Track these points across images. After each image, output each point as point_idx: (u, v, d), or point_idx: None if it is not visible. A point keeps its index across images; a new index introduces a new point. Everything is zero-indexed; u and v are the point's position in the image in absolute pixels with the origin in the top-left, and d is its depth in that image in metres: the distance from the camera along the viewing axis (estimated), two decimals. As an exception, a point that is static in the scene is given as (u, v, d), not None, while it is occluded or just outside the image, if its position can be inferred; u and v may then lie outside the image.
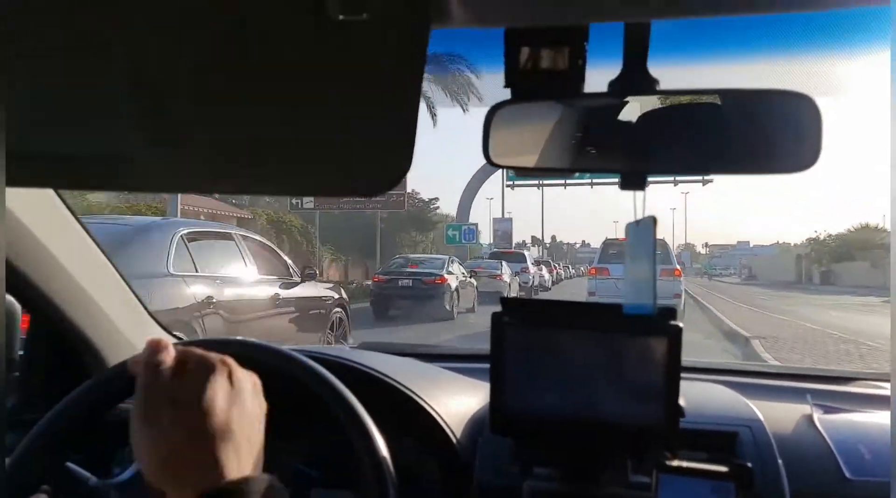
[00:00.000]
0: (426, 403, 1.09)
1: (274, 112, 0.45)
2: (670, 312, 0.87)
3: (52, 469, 0.90)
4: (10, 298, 1.20)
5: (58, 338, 1.21)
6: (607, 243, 15.62)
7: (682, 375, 1.27)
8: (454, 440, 1.08)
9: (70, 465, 0.96)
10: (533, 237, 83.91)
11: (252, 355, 0.90)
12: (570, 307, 0.93)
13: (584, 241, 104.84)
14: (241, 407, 0.62)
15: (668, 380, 0.87)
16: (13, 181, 0.51)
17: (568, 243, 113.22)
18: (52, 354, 1.24)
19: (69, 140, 0.45)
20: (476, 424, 1.12)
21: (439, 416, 1.08)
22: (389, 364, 1.18)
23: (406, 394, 1.09)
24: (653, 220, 0.74)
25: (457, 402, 1.17)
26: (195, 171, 0.49)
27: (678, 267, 14.36)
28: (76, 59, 0.42)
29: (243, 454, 0.60)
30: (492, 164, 0.80)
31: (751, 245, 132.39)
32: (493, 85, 0.76)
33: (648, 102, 0.77)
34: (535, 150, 0.81)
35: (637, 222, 0.77)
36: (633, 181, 0.75)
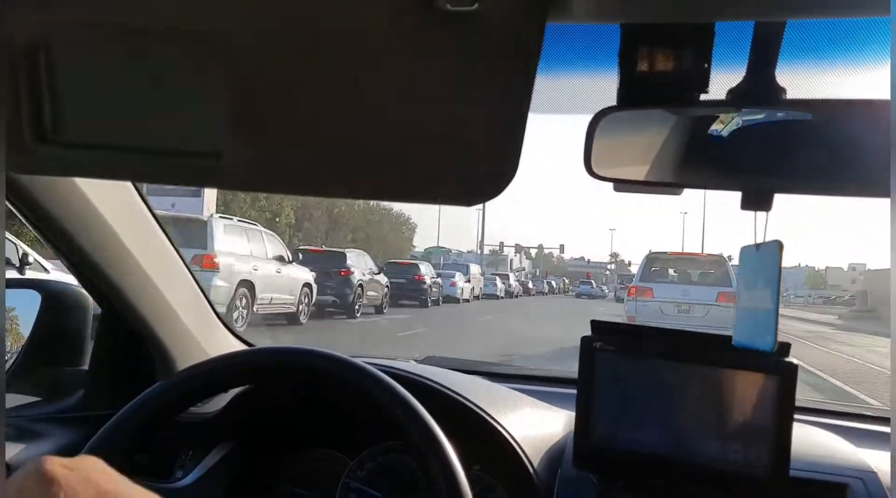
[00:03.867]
0: (504, 428, 1.02)
1: (374, 111, 0.42)
2: (784, 348, 0.79)
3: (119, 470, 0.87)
4: (82, 291, 1.19)
5: (127, 335, 1.20)
6: (651, 257, 12.85)
7: None
8: (532, 471, 1.00)
9: None
10: (517, 245, 76.87)
11: (324, 366, 0.85)
12: (670, 335, 0.85)
13: (559, 248, 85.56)
14: None
15: (778, 423, 0.79)
16: (96, 173, 0.48)
17: (557, 254, 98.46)
18: (121, 350, 1.23)
19: (153, 133, 0.43)
20: (556, 456, 1.04)
21: (517, 444, 1.01)
22: (464, 384, 1.12)
23: (483, 417, 1.03)
24: (779, 245, 0.66)
25: (536, 429, 1.10)
26: (287, 171, 0.45)
27: (741, 291, 12.15)
28: (164, 49, 0.39)
29: None
30: (593, 176, 0.73)
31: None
32: (601, 88, 0.69)
33: (774, 112, 0.69)
34: (643, 162, 0.74)
35: (757, 246, 0.69)
36: (757, 200, 0.67)
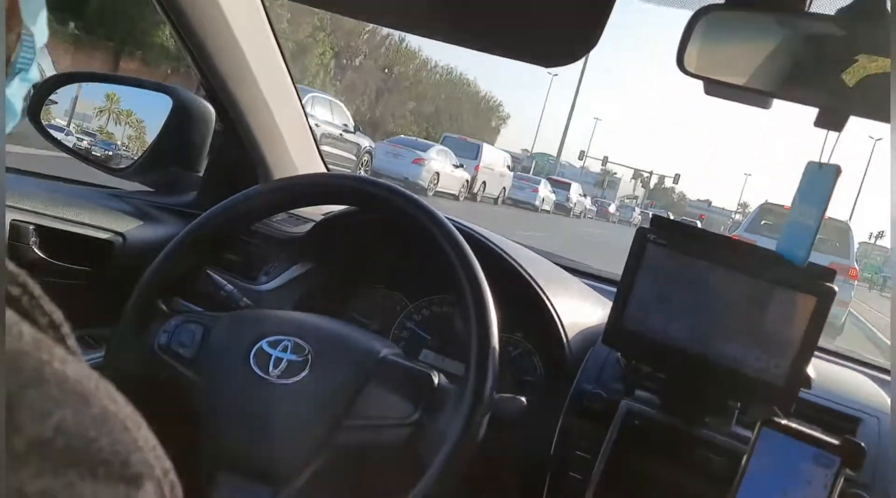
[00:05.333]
0: (553, 305, 1.10)
1: None
2: (828, 273, 0.82)
3: (206, 259, 0.99)
4: (208, 104, 1.32)
5: (240, 150, 1.33)
6: (765, 208, 12.04)
7: (826, 356, 1.17)
8: (565, 342, 1.08)
9: (210, 272, 1.06)
10: (636, 170, 67.53)
11: (401, 206, 0.93)
12: (723, 242, 0.89)
13: (674, 177, 66.86)
14: None
15: (804, 340, 0.83)
16: None
17: (678, 190, 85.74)
18: (233, 163, 1.37)
19: None
20: (590, 336, 1.11)
21: (557, 314, 1.09)
22: (528, 258, 1.19)
23: (536, 291, 1.10)
24: (836, 170, 0.68)
25: (578, 308, 1.17)
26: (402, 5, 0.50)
27: (856, 266, 10.95)
28: None
29: None
30: (684, 72, 0.75)
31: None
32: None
33: (873, 34, 0.69)
34: (736, 66, 0.75)
35: (820, 164, 0.71)
36: (831, 120, 0.68)
